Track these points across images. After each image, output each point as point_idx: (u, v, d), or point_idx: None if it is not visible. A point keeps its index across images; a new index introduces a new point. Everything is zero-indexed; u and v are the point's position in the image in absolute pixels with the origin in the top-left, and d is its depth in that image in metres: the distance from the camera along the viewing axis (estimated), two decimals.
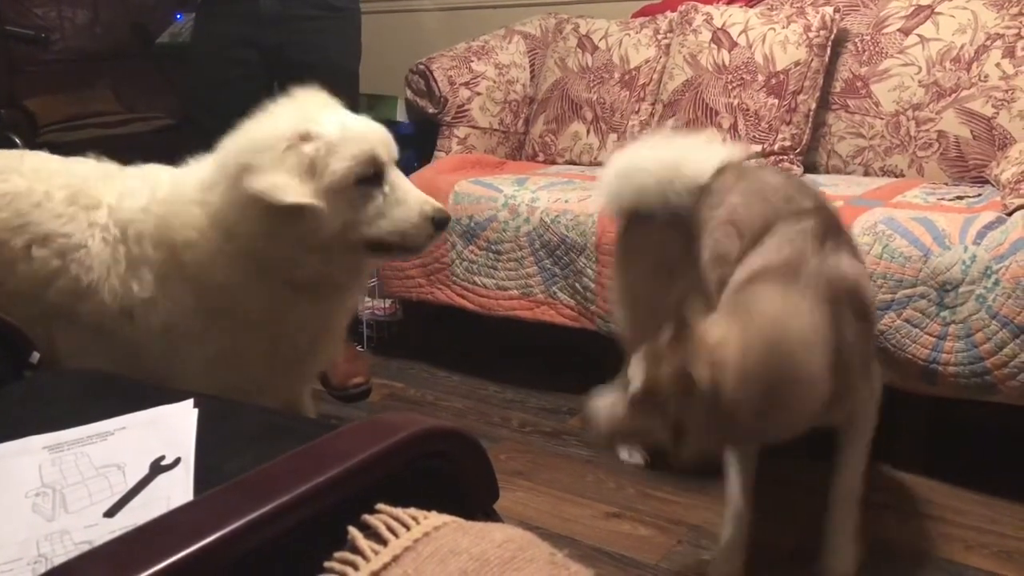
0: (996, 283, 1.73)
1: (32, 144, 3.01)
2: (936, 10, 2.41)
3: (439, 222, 1.47)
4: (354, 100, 2.80)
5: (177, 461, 0.90)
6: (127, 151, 3.38)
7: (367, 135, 1.46)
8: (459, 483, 0.87)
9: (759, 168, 1.89)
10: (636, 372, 1.37)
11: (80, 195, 1.55)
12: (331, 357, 1.75)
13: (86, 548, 0.72)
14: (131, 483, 0.88)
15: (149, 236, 1.48)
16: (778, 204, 1.55)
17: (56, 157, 1.71)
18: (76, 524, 0.83)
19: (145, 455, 0.91)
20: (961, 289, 1.77)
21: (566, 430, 2.29)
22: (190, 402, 1.02)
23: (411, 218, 1.45)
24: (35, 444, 0.94)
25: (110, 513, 0.84)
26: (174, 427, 0.97)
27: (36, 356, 1.26)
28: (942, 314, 1.80)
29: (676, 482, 2.01)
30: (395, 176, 1.47)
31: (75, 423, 0.98)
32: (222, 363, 1.48)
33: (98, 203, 1.54)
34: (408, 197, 1.46)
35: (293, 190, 1.35)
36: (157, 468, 0.90)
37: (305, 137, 1.40)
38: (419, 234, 1.46)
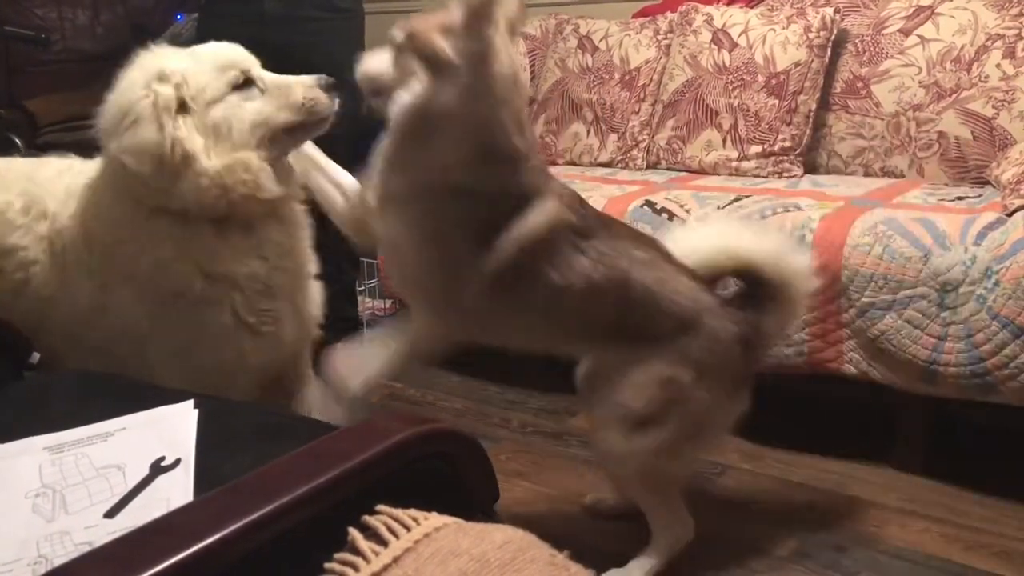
0: (996, 284, 1.73)
1: (32, 144, 3.01)
2: (936, 11, 2.41)
3: (325, 86, 1.54)
4: (356, 99, 2.80)
5: (177, 462, 0.90)
6: None
7: (221, 48, 1.53)
8: (459, 484, 0.87)
9: None
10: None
11: (33, 205, 1.56)
12: (308, 320, 1.68)
13: (86, 549, 0.72)
14: (131, 484, 0.88)
15: (82, 240, 1.50)
16: None
17: (23, 161, 1.70)
18: (76, 525, 0.83)
19: (145, 456, 0.91)
20: (961, 290, 1.77)
21: (566, 431, 2.28)
22: (190, 403, 1.02)
23: (297, 92, 1.51)
24: (35, 445, 0.94)
25: (110, 514, 0.84)
26: (174, 428, 0.97)
27: (36, 357, 1.26)
28: (942, 315, 1.80)
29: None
30: (264, 73, 1.53)
31: (75, 424, 0.98)
32: (189, 349, 1.48)
33: (45, 213, 1.55)
34: (286, 79, 1.53)
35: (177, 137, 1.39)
36: (157, 469, 0.90)
37: (162, 78, 1.43)
38: (316, 103, 1.53)
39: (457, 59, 1.38)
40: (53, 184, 1.57)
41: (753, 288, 1.58)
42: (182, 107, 1.41)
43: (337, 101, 1.56)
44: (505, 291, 1.46)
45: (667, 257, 1.55)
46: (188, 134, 1.39)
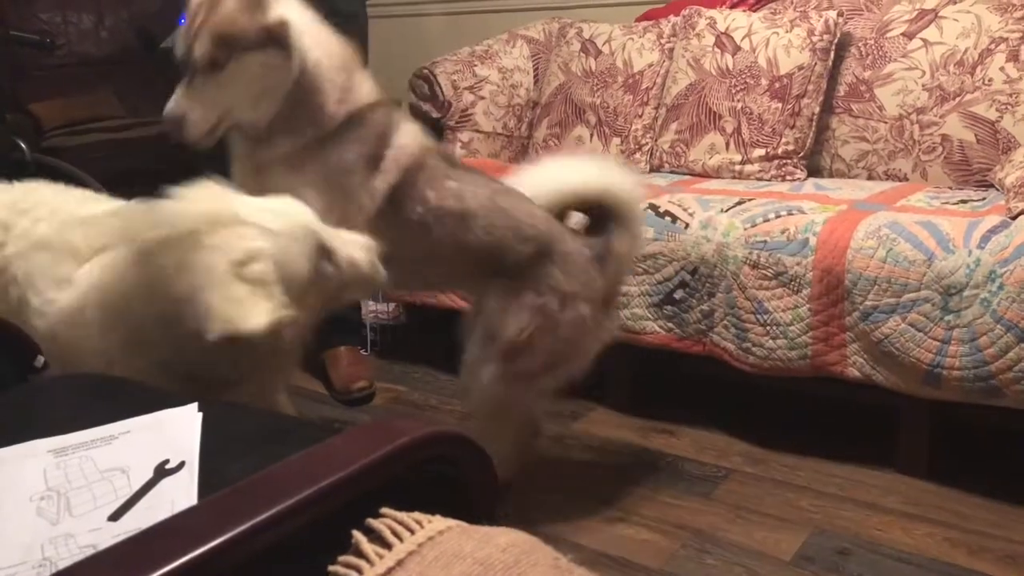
0: (1001, 287, 1.73)
1: (37, 148, 3.02)
2: (940, 14, 2.41)
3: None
4: None
5: (181, 465, 0.90)
6: (131, 155, 3.40)
7: (300, 218, 1.34)
8: (463, 487, 0.87)
9: None
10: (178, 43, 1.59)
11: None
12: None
13: (90, 552, 0.72)
14: (135, 487, 0.87)
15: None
16: None
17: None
18: (80, 528, 0.83)
19: (149, 459, 0.91)
20: (965, 293, 1.77)
21: (569, 434, 2.28)
22: (194, 406, 1.02)
23: (365, 272, 1.39)
24: (40, 448, 0.94)
25: (114, 517, 0.84)
26: (178, 431, 0.97)
27: (41, 360, 1.26)
28: (946, 318, 1.80)
29: (679, 486, 2.01)
30: (330, 236, 1.37)
31: (80, 427, 0.98)
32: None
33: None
34: (353, 254, 1.38)
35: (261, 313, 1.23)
36: (161, 472, 0.90)
37: (247, 260, 1.25)
38: (375, 280, 1.42)
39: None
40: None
41: (596, 217, 1.77)
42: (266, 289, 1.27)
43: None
44: (394, 216, 1.61)
45: (519, 192, 1.72)
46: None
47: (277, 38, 1.54)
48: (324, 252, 1.35)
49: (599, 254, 1.73)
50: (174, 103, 1.55)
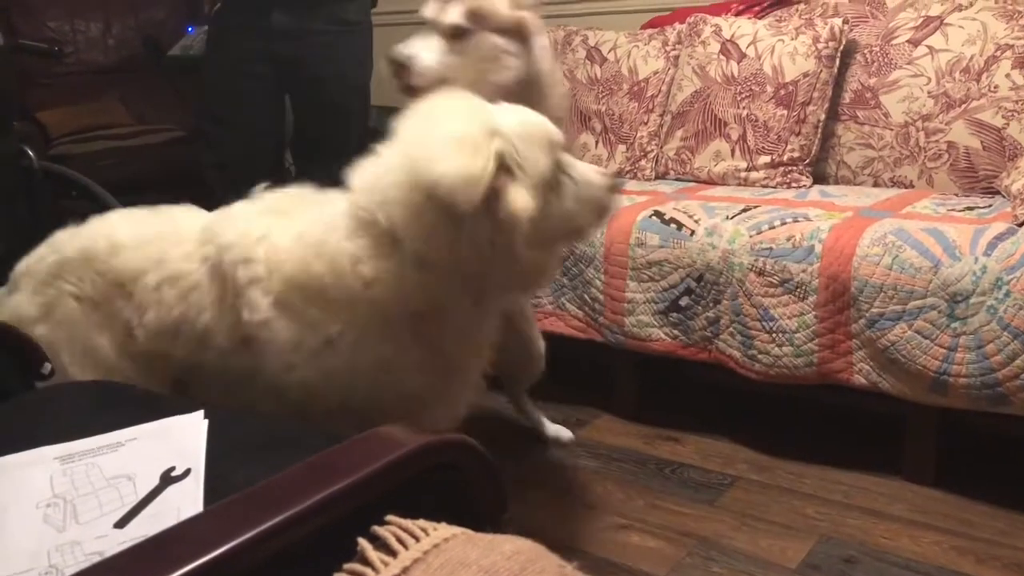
0: (1007, 294, 1.72)
1: (44, 156, 3.04)
2: (945, 21, 2.41)
3: (618, 188, 1.37)
4: (365, 112, 2.81)
5: (187, 472, 0.91)
6: (137, 162, 3.42)
7: (544, 123, 1.32)
8: (469, 494, 0.87)
9: None
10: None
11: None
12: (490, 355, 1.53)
13: (96, 559, 0.73)
14: (141, 494, 0.88)
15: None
16: None
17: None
18: (87, 535, 0.83)
19: (155, 466, 0.91)
20: (972, 300, 1.77)
21: (577, 442, 2.28)
22: (200, 413, 1.03)
23: (600, 196, 1.33)
24: (46, 455, 0.95)
25: (120, 524, 0.84)
26: (184, 438, 0.97)
27: (48, 367, 1.26)
28: (953, 325, 1.79)
29: (685, 493, 2.00)
30: (569, 158, 1.33)
31: (86, 434, 0.98)
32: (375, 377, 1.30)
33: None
34: (587, 173, 1.33)
35: (520, 193, 1.20)
36: (167, 479, 0.90)
37: (493, 133, 1.22)
38: (606, 210, 1.36)
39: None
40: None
41: None
42: (508, 171, 1.21)
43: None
44: None
45: None
46: (523, 198, 1.20)
47: (522, 33, 1.61)
48: (561, 165, 1.30)
49: None
50: (409, 46, 1.59)
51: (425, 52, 1.58)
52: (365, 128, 2.85)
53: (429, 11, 1.63)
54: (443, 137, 1.23)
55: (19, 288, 1.44)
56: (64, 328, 1.39)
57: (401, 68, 1.59)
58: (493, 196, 1.18)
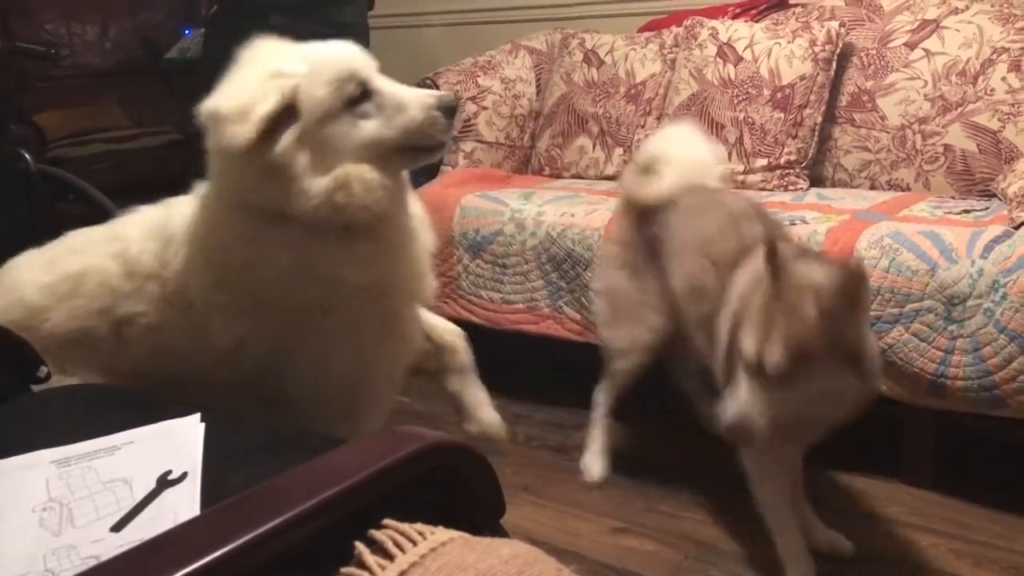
0: (1004, 297, 1.72)
1: (41, 159, 3.03)
2: (942, 24, 2.41)
3: (445, 107, 1.37)
4: None
5: (184, 475, 0.90)
6: (134, 165, 3.41)
7: (341, 55, 1.40)
8: (466, 498, 0.87)
9: (723, 193, 1.90)
10: (748, 341, 1.37)
11: (134, 265, 1.43)
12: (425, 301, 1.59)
13: (93, 563, 0.72)
14: (138, 497, 0.87)
15: (203, 272, 1.39)
16: (746, 235, 1.61)
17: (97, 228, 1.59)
18: (83, 539, 0.83)
19: (152, 469, 0.91)
20: (969, 303, 1.77)
21: (572, 444, 2.28)
22: (197, 416, 1.02)
23: (414, 116, 1.36)
24: (42, 458, 0.94)
25: (117, 528, 0.84)
26: (181, 441, 0.97)
27: (44, 370, 1.26)
28: (949, 328, 1.80)
29: (683, 497, 2.00)
30: (383, 84, 1.38)
31: (83, 437, 0.98)
32: (328, 361, 1.39)
33: (149, 271, 1.43)
34: (403, 97, 1.37)
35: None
36: (164, 482, 0.89)
37: (277, 75, 1.32)
38: (433, 127, 1.37)
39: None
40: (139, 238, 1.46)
41: None
42: (290, 115, 1.30)
43: (453, 125, 1.44)
44: None
45: None
46: (292, 149, 1.29)
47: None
48: (367, 93, 1.36)
49: None
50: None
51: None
52: None
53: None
54: (228, 84, 1.37)
55: None
56: None
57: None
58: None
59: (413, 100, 1.37)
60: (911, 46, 2.45)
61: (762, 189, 2.49)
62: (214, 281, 1.37)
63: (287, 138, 1.29)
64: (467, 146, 2.92)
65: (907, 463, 2.00)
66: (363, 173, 1.33)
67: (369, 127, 1.34)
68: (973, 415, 1.85)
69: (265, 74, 1.33)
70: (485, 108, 2.94)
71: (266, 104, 1.27)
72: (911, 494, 1.96)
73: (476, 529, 0.77)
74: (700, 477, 2.08)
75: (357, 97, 1.34)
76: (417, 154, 1.41)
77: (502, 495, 0.90)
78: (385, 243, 1.41)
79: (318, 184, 1.30)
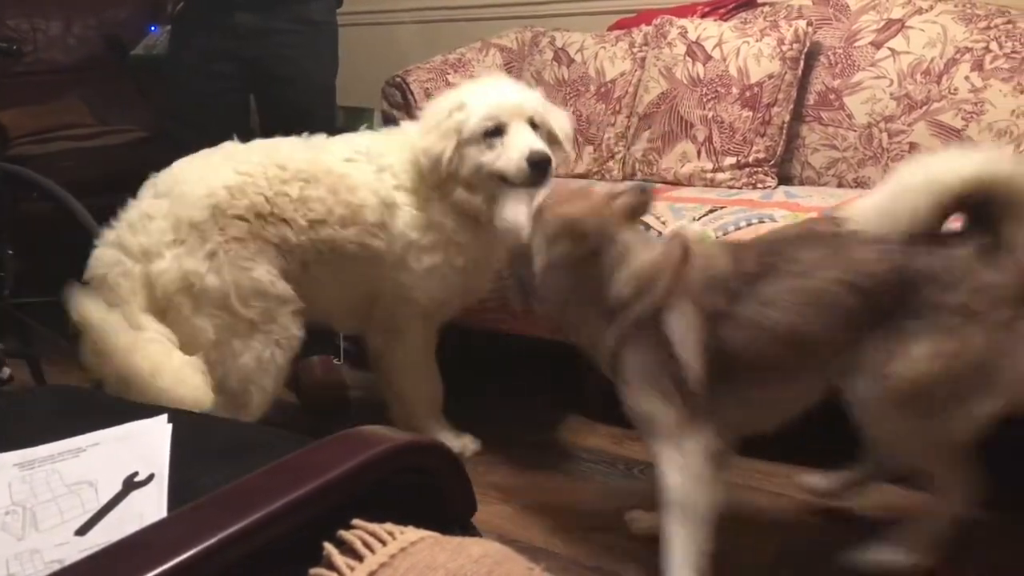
0: None
1: (3, 156, 2.98)
2: (907, 24, 2.44)
3: (532, 160, 1.86)
4: (331, 112, 2.79)
5: (151, 477, 0.89)
6: (99, 163, 3.36)
7: (495, 100, 1.94)
8: (437, 497, 0.87)
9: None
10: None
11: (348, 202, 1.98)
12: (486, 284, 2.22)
13: (56, 567, 0.71)
14: (103, 500, 0.86)
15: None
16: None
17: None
18: (46, 543, 0.82)
19: (118, 471, 0.90)
20: None
21: (546, 442, 2.28)
22: (164, 417, 1.01)
23: (512, 158, 1.88)
24: (5, 461, 0.93)
25: (82, 531, 0.83)
26: (148, 442, 0.96)
27: (7, 372, 1.24)
28: None
29: (655, 493, 2.01)
30: (515, 129, 1.91)
31: (47, 439, 0.97)
32: (436, 273, 2.01)
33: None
34: (517, 144, 1.89)
35: (439, 146, 1.93)
36: (130, 484, 0.88)
37: (459, 107, 1.94)
38: (519, 171, 1.87)
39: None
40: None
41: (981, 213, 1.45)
42: (456, 130, 1.93)
43: (545, 176, 1.89)
44: None
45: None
46: (452, 158, 1.93)
47: None
48: (500, 130, 1.96)
49: (983, 249, 1.43)
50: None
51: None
52: (331, 128, 2.84)
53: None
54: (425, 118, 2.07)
55: None
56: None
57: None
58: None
59: (517, 148, 1.89)
60: (877, 45, 2.48)
61: (731, 187, 2.51)
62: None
63: (449, 149, 1.93)
64: None
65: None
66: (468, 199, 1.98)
67: (485, 156, 1.91)
68: None
69: (449, 107, 1.97)
70: None
71: (446, 148, 1.93)
72: (885, 491, 1.98)
73: (447, 528, 0.76)
74: None
75: (492, 130, 1.91)
76: (517, 185, 1.88)
77: (473, 493, 0.90)
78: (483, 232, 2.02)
79: (457, 193, 1.98)
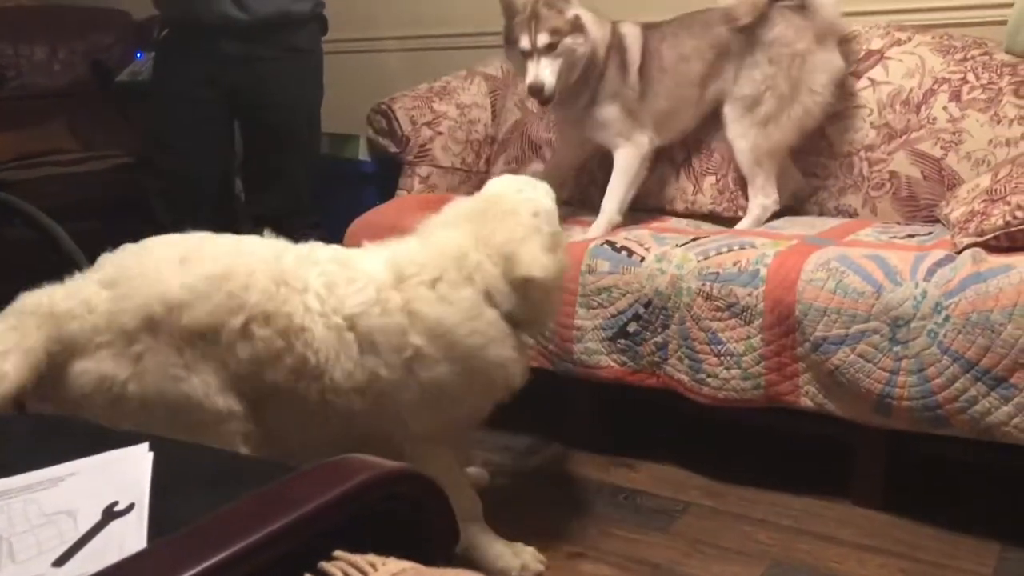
0: (947, 319, 1.76)
1: None
2: (886, 54, 2.48)
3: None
4: (316, 139, 2.80)
5: (131, 507, 0.89)
6: (84, 188, 3.35)
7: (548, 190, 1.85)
8: (419, 526, 0.86)
9: None
10: None
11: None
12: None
13: None
14: (82, 530, 0.86)
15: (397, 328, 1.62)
16: None
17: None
18: (23, 574, 0.81)
19: (97, 501, 0.89)
20: (913, 324, 1.81)
21: (527, 470, 2.28)
22: (145, 446, 1.01)
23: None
24: None
25: (59, 562, 0.82)
26: (128, 472, 0.95)
27: None
28: (895, 349, 1.83)
29: (638, 520, 2.01)
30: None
31: (26, 469, 0.96)
32: (453, 403, 1.69)
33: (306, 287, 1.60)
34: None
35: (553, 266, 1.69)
36: (110, 514, 0.88)
37: (537, 214, 1.74)
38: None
39: None
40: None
41: None
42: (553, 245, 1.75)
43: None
44: (647, 84, 2.54)
45: None
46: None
47: (578, 25, 2.32)
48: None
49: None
50: (536, 75, 2.27)
51: (545, 74, 2.27)
52: (316, 155, 2.84)
53: (525, 43, 2.28)
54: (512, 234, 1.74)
55: None
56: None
57: (539, 91, 2.28)
58: None
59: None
60: (857, 75, 2.51)
61: (711, 212, 2.53)
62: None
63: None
64: (423, 171, 2.92)
65: (857, 485, 2.03)
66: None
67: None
68: (921, 435, 1.88)
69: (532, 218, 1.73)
70: (440, 133, 2.95)
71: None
72: (862, 515, 1.99)
73: (430, 557, 0.76)
74: (655, 500, 2.09)
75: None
76: None
77: (456, 523, 0.90)
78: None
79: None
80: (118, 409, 1.50)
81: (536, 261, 1.65)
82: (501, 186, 1.81)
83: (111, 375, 1.50)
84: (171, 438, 1.09)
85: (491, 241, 1.68)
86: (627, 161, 2.44)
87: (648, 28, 2.50)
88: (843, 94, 2.46)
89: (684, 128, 2.56)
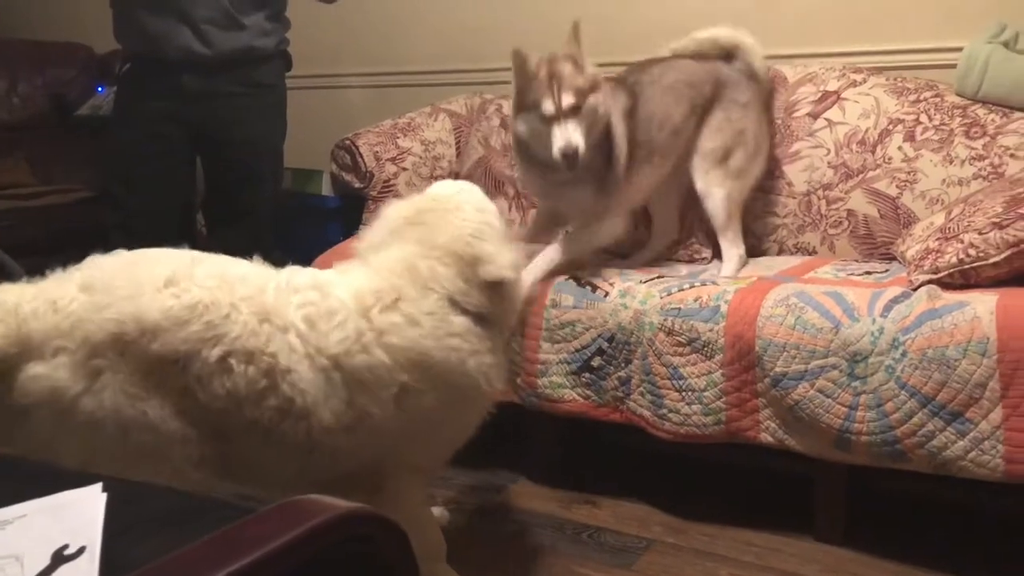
0: (904, 354, 1.79)
1: None
2: (842, 96, 2.54)
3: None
4: (278, 175, 2.79)
5: (82, 550, 0.86)
6: (41, 223, 3.30)
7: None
8: (380, 567, 0.85)
9: None
10: None
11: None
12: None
13: None
14: (30, 575, 0.83)
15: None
16: None
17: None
18: None
19: (47, 544, 0.87)
20: (871, 360, 1.83)
21: (492, 507, 2.26)
22: (98, 487, 0.98)
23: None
24: None
25: None
26: (79, 513, 0.93)
27: None
28: (853, 384, 1.85)
29: (602, 558, 2.00)
30: None
31: None
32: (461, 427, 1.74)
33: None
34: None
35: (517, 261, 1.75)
36: (59, 558, 0.85)
37: (482, 210, 1.75)
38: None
39: None
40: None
41: None
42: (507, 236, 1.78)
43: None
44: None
45: None
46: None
47: (597, 85, 2.19)
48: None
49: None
50: (568, 140, 2.11)
51: (576, 137, 2.11)
52: (278, 190, 2.83)
53: (548, 107, 2.13)
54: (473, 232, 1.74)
55: None
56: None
57: (573, 156, 2.11)
58: None
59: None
60: (814, 116, 2.56)
61: (669, 260, 2.56)
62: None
63: None
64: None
65: (819, 519, 2.04)
66: None
67: None
68: (881, 470, 1.90)
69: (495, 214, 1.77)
70: (405, 169, 2.96)
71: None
72: (824, 551, 2.00)
73: None
74: (618, 537, 2.08)
75: None
76: None
77: (416, 563, 0.89)
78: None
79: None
80: (64, 423, 1.42)
81: (502, 259, 1.65)
82: (440, 189, 1.81)
83: (64, 386, 1.42)
84: (125, 478, 1.07)
85: (436, 242, 1.65)
86: (599, 237, 2.36)
87: (627, 96, 2.36)
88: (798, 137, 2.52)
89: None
